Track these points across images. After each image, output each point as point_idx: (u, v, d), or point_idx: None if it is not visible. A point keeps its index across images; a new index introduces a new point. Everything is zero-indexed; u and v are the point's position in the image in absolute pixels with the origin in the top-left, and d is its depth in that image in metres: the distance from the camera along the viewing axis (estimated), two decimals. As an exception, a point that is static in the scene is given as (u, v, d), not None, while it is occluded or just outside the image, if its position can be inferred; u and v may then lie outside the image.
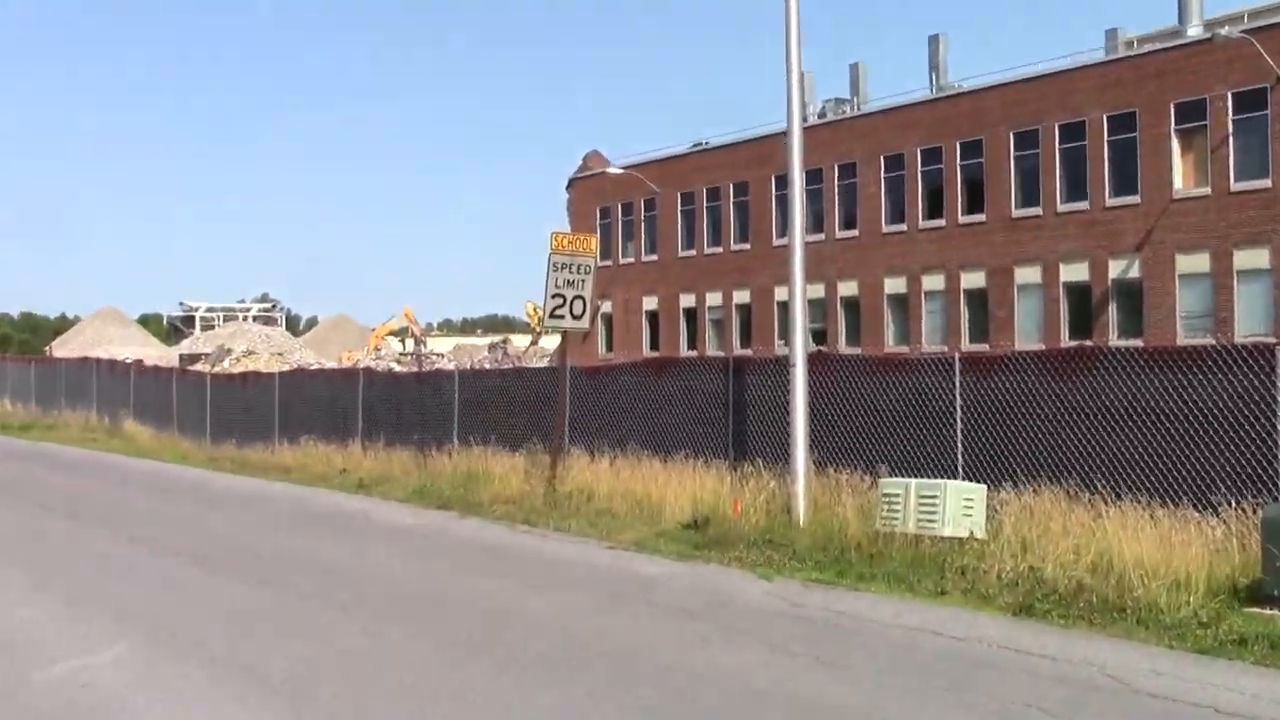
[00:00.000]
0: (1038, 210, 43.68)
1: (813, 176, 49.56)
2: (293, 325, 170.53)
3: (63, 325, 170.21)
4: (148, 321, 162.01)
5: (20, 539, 17.71)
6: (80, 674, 9.89)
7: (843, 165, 50.32)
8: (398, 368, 72.47)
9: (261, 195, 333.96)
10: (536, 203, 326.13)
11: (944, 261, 46.51)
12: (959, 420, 16.36)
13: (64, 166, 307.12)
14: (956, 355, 16.78)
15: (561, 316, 21.03)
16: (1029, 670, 9.89)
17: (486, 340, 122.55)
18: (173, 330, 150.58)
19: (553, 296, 20.91)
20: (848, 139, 50.25)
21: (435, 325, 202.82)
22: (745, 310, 54.97)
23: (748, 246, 54.79)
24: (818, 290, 49.67)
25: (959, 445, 16.33)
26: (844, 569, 14.16)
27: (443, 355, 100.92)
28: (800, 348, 17.17)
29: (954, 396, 16.45)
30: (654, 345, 59.17)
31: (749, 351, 49.83)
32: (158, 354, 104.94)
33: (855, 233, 49.93)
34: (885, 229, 48.81)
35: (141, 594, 13.30)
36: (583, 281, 21.10)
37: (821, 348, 46.83)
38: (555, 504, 19.95)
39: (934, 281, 47.00)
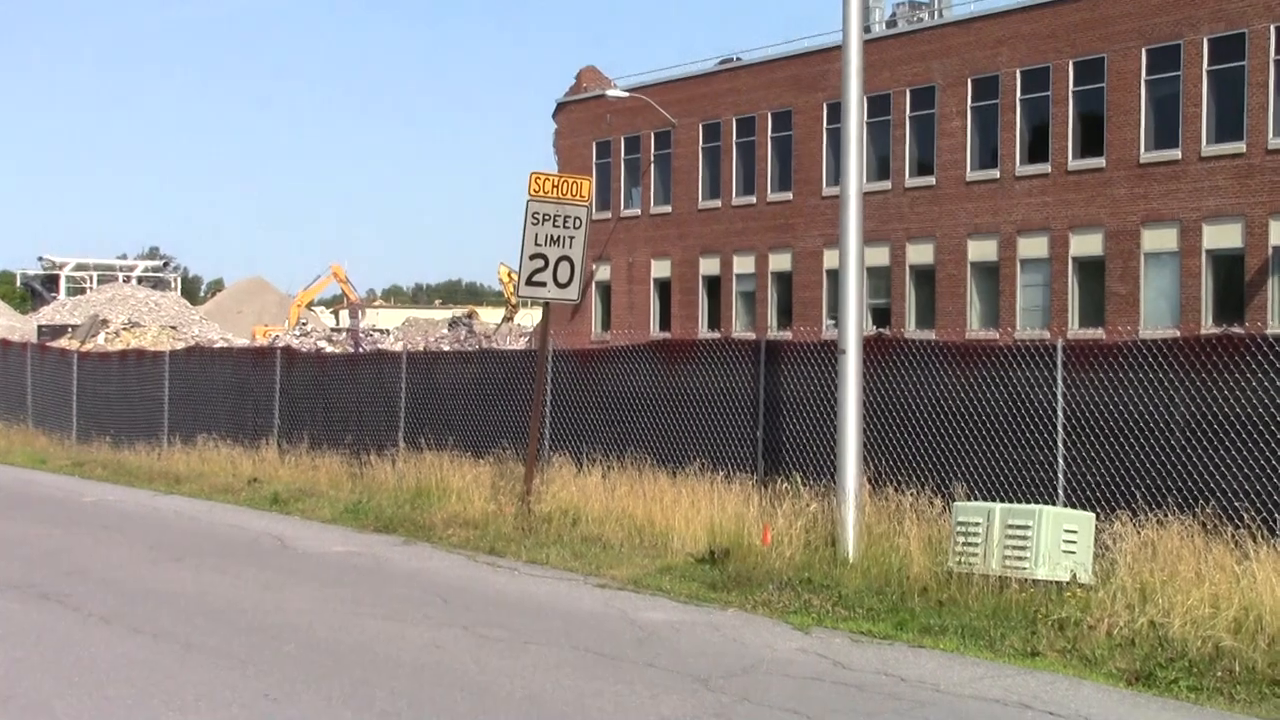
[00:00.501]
0: (1175, 153, 43.67)
1: (877, 105, 49.56)
2: (191, 291, 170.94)
3: None
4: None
5: None
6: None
7: (917, 91, 50.30)
8: (328, 347, 72.70)
9: (150, 124, 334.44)
10: (515, 137, 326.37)
11: (1048, 220, 46.51)
12: (1060, 428, 16.35)
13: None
14: (1059, 343, 16.77)
15: (541, 284, 21.04)
16: (1145, 757, 9.90)
17: (447, 314, 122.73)
18: (29, 294, 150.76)
19: (531, 258, 20.92)
20: (924, 56, 50.23)
21: (379, 293, 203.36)
22: (785, 280, 55.02)
23: (789, 197, 54.82)
24: (880, 255, 49.70)
25: (1060, 461, 16.32)
26: (904, 619, 14.16)
27: (387, 332, 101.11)
28: (854, 329, 17.15)
29: (1054, 397, 16.44)
30: (664, 324, 59.25)
31: (788, 334, 49.88)
32: (7, 324, 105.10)
33: (931, 180, 49.94)
34: (971, 176, 48.81)
35: (-24, 639, 13.32)
36: (571, 239, 21.10)
37: (883, 330, 46.87)
38: (529, 528, 20.00)
39: (1034, 246, 47.01)
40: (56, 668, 12.24)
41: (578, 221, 21.18)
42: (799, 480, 18.42)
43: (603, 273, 62.02)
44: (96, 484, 28.15)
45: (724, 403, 20.50)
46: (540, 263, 20.98)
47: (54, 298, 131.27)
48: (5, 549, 19.31)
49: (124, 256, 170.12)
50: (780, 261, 55.16)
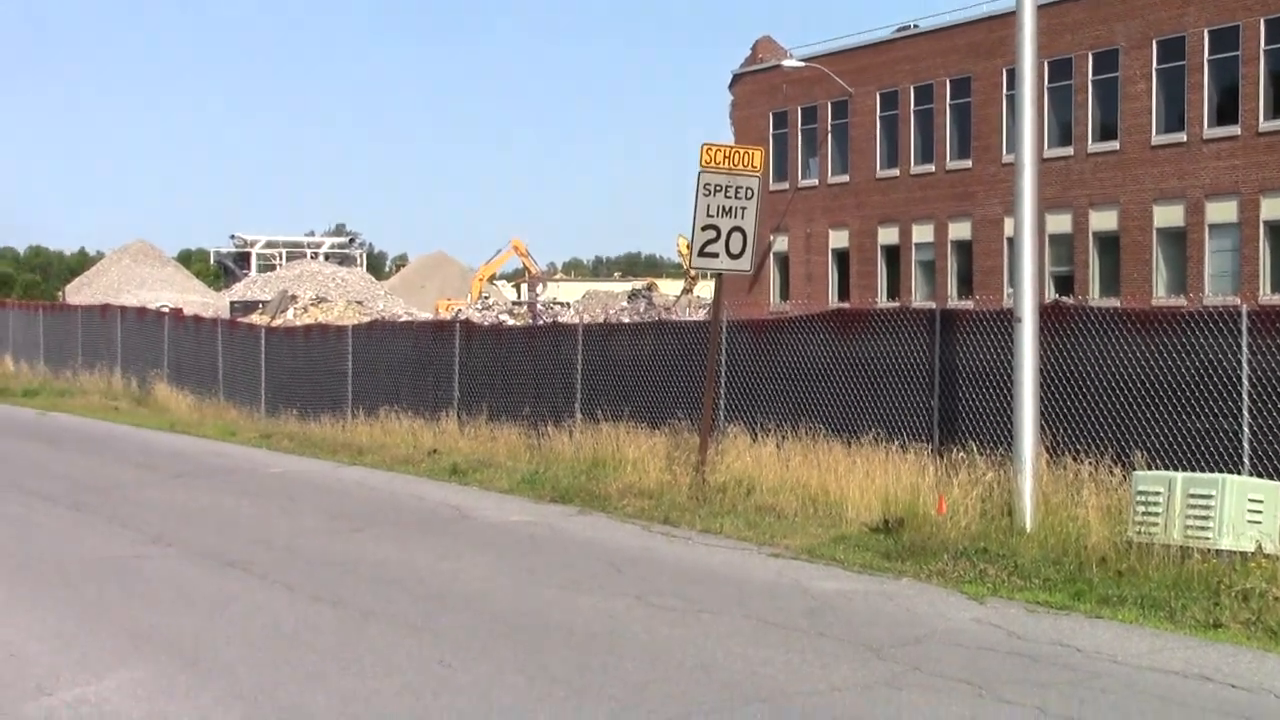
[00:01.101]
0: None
1: (1058, 69, 48.78)
2: (376, 266, 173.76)
3: (80, 263, 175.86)
4: (190, 260, 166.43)
5: (7, 535, 18.32)
6: (79, 707, 10.20)
7: (1099, 54, 49.32)
8: (509, 320, 73.35)
9: (336, 107, 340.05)
10: (695, 109, 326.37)
11: (1237, 184, 45.37)
12: (1246, 395, 15.98)
13: (82, 69, 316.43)
14: (1244, 308, 16.38)
15: (715, 254, 21.02)
16: (1330, 732, 9.66)
17: (626, 286, 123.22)
18: (222, 271, 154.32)
19: (703, 229, 20.91)
20: (1106, 18, 49.22)
21: (559, 267, 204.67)
22: (964, 249, 54.43)
23: (969, 164, 54.15)
24: (1062, 222, 48.89)
25: (1245, 429, 15.96)
26: (1082, 590, 13.96)
27: (567, 305, 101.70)
28: (1029, 297, 16.91)
29: (1239, 364, 16.07)
30: (843, 294, 58.96)
31: (968, 303, 49.32)
32: (201, 301, 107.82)
33: (1114, 145, 48.97)
34: (1156, 140, 47.76)
35: (156, 609, 13.68)
36: (743, 209, 21.05)
37: (1065, 298, 46.11)
38: (704, 498, 20.04)
39: (1223, 211, 45.89)
40: (240, 632, 12.53)
41: (749, 192, 21.10)
42: (974, 449, 18.23)
43: (780, 243, 61.82)
44: (283, 455, 28.72)
45: (899, 372, 20.35)
46: (712, 233, 20.96)
47: (245, 274, 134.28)
48: (196, 519, 19.81)
49: (311, 233, 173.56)
50: (960, 230, 54.55)
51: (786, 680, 10.93)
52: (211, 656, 11.67)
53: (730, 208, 20.97)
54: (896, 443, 19.53)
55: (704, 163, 20.87)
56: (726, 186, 20.94)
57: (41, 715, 10.00)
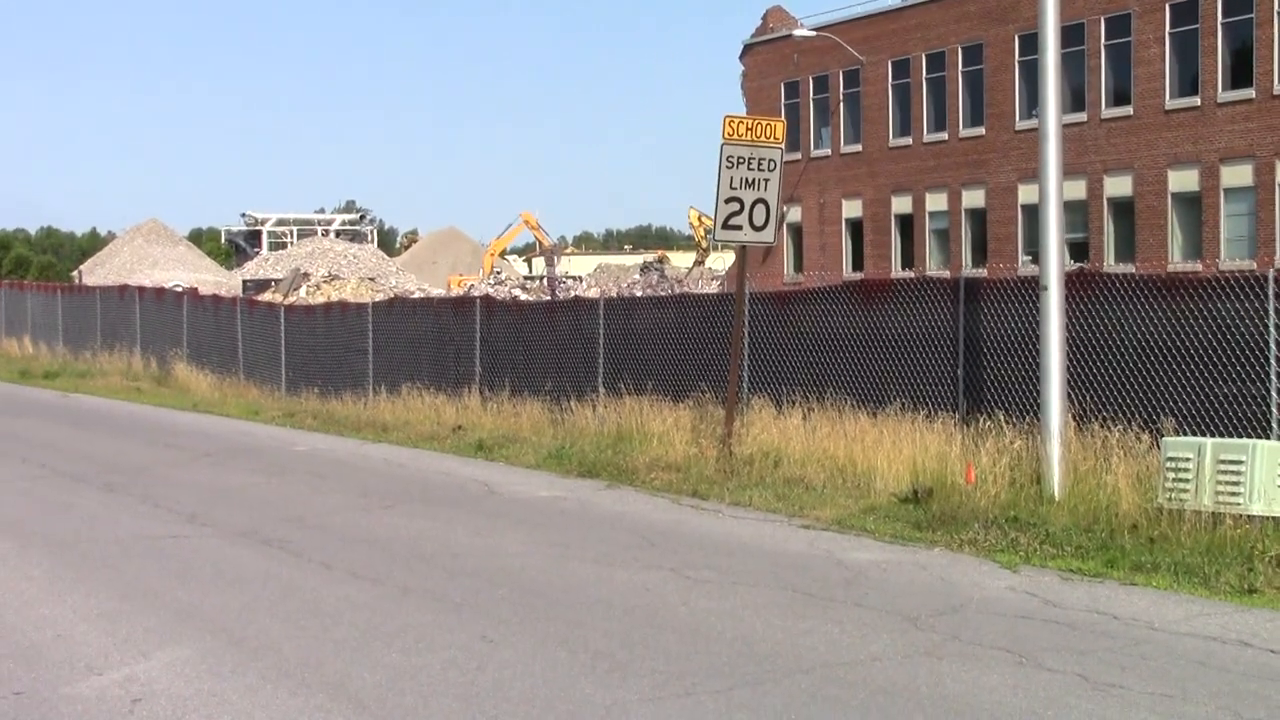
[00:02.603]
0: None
1: (1071, 35, 48.64)
2: (387, 242, 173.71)
3: (93, 244, 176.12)
4: (201, 238, 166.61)
5: (42, 516, 18.45)
6: (129, 686, 10.31)
7: (1112, 19, 49.23)
8: (523, 295, 73.42)
9: (345, 82, 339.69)
10: (701, 80, 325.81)
11: (1252, 146, 45.27)
12: (1274, 360, 16.02)
13: (90, 46, 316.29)
14: (1270, 273, 16.39)
15: (738, 227, 21.06)
16: (1371, 694, 9.71)
17: (637, 259, 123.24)
18: (233, 249, 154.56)
19: (726, 201, 20.94)
20: (1119, -17, 49.07)
21: (570, 240, 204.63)
22: (978, 217, 54.38)
23: (982, 132, 54.08)
24: (1077, 189, 48.82)
25: (1274, 394, 15.99)
26: (1114, 557, 14.02)
27: (580, 279, 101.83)
28: (1055, 265, 16.96)
29: (1267, 329, 16.10)
30: (857, 264, 58.93)
31: (983, 271, 49.32)
32: (214, 280, 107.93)
33: (1128, 110, 48.89)
34: (1170, 104, 47.65)
35: (197, 587, 13.78)
36: (765, 181, 21.08)
37: (1082, 265, 46.11)
38: (731, 471, 20.12)
39: (1238, 174, 45.81)
40: (283, 611, 12.62)
41: (772, 164, 21.13)
42: (1001, 418, 18.27)
43: (794, 214, 61.77)
44: (307, 434, 28.84)
45: (923, 341, 20.38)
46: (736, 206, 20.99)
47: (257, 253, 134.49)
48: (228, 498, 19.92)
49: (321, 211, 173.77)
50: (974, 198, 54.50)
51: (827, 651, 11.01)
52: (255, 634, 11.76)
53: (753, 180, 21.00)
54: (923, 412, 19.58)
55: (726, 135, 20.87)
56: (749, 159, 20.95)
57: (94, 695, 10.09)
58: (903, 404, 20.01)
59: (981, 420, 18.58)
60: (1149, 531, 14.60)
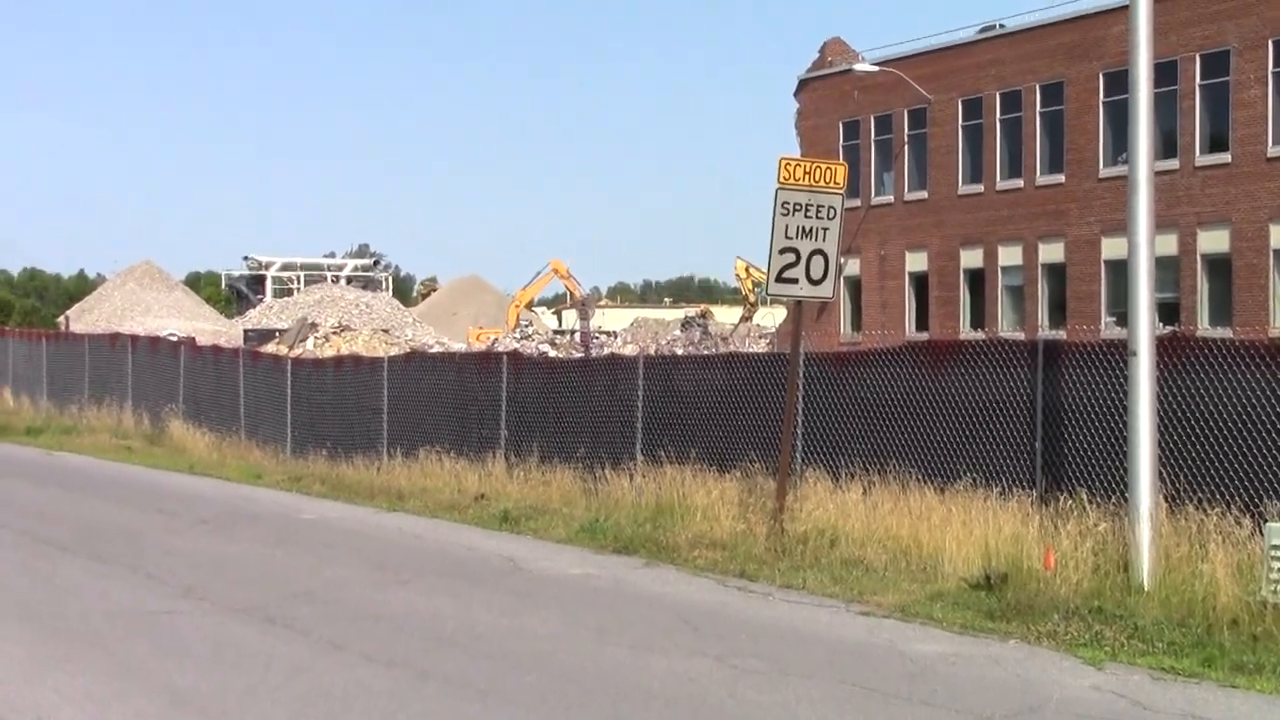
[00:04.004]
0: None
1: (1162, 74, 48.11)
2: (403, 291, 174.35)
3: (81, 288, 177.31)
4: (199, 283, 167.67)
5: (22, 587, 18.50)
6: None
7: (1208, 56, 49.23)
8: (553, 351, 73.53)
9: (359, 119, 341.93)
10: (750, 120, 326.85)
11: (1362, 200, 45.14)
12: (1389, 438, 15.90)
13: (82, 75, 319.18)
14: (1385, 341, 16.29)
15: (793, 280, 21.06)
16: None
17: (678, 313, 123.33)
18: (235, 296, 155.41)
19: (781, 252, 20.94)
20: (1216, 16, 49.10)
21: (604, 292, 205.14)
22: (1057, 272, 54.30)
23: (1061, 179, 54.09)
24: (1167, 244, 48.68)
25: (1388, 475, 15.87)
26: (1212, 655, 13.90)
27: (614, 334, 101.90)
28: (1145, 328, 16.90)
29: (1381, 402, 16.00)
30: (921, 323, 58.89)
31: (1061, 333, 49.21)
32: (213, 329, 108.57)
33: (1226, 157, 48.87)
34: (1272, 151, 47.62)
35: (194, 668, 13.80)
36: (824, 230, 21.11)
37: (1174, 328, 45.95)
38: (783, 550, 20.06)
39: (1347, 230, 45.67)
40: (289, 696, 12.62)
41: (832, 211, 21.16)
42: (1084, 497, 18.16)
43: (852, 267, 61.77)
44: (315, 500, 28.88)
45: (997, 410, 20.30)
46: (791, 257, 21.00)
47: (260, 300, 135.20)
48: (227, 570, 19.95)
49: (331, 255, 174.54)
50: (1051, 252, 54.43)
51: (892, 753, 10.96)
52: (257, 722, 11.78)
53: (810, 229, 21.02)
54: (996, 489, 19.48)
55: (782, 179, 20.90)
56: (806, 205, 20.98)
57: (81, 787, 10.11)
58: (974, 479, 19.92)
59: (1062, 499, 18.47)
60: (1251, 628, 14.48)
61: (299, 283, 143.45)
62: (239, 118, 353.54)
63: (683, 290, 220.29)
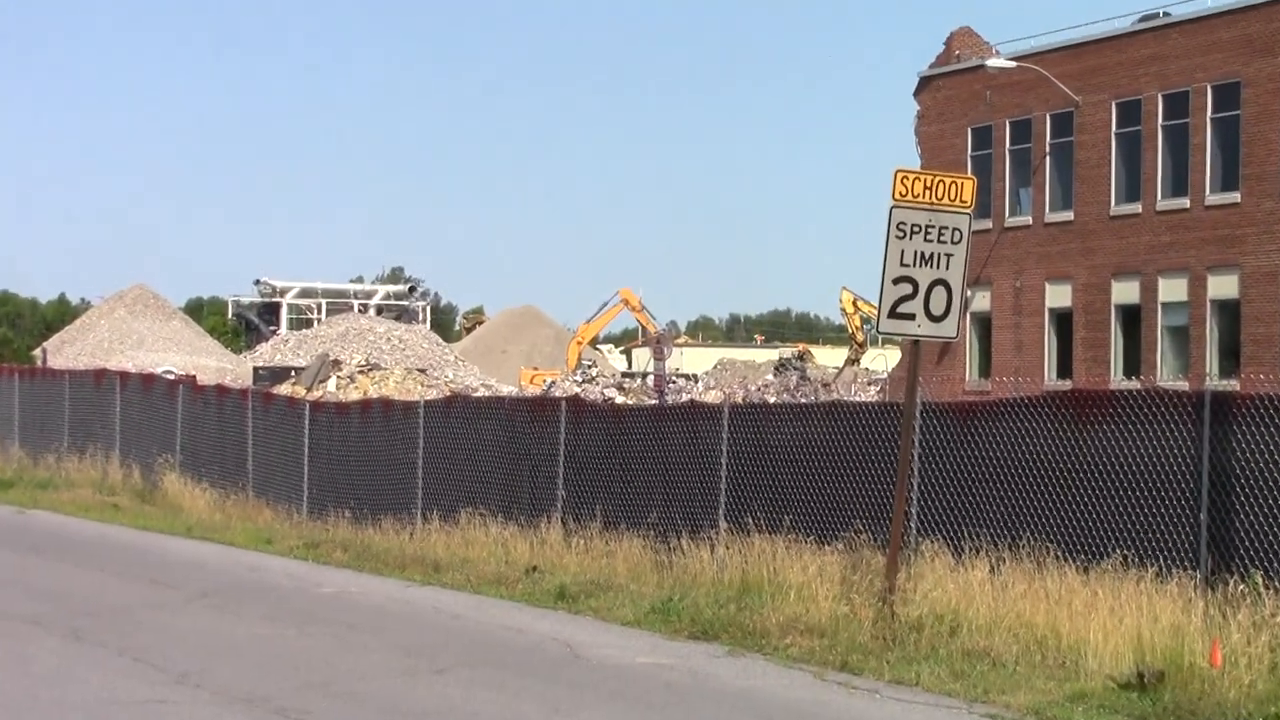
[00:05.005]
0: None
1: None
2: (444, 324, 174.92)
3: (60, 314, 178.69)
4: (202, 312, 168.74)
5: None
6: None
7: None
8: (620, 397, 73.62)
9: (394, 125, 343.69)
10: (861, 124, 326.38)
11: None
12: None
13: (65, 64, 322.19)
14: None
15: (910, 316, 21.06)
16: None
17: (771, 354, 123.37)
18: (243, 327, 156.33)
19: (895, 282, 20.95)
20: None
21: (682, 328, 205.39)
22: (1229, 310, 53.93)
23: (1237, 198, 53.77)
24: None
25: None
26: None
27: (695, 378, 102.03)
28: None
29: None
30: (1064, 369, 58.61)
31: (1234, 384, 48.88)
32: (219, 366, 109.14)
33: None
34: None
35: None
36: (948, 257, 21.08)
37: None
38: (894, 638, 20.04)
39: None
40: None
41: (957, 234, 21.15)
42: (1259, 581, 18.08)
43: (980, 301, 61.57)
44: (335, 570, 28.98)
45: (1154, 475, 20.20)
46: (908, 288, 20.99)
47: (273, 332, 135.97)
48: (229, 653, 20.06)
49: (359, 280, 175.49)
50: (1224, 285, 54.07)
51: None
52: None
53: (931, 255, 21.00)
54: (1151, 569, 19.38)
55: (898, 195, 20.92)
56: (926, 227, 20.99)
57: None
58: (1125, 556, 19.82)
59: (1232, 583, 18.38)
60: None
61: (320, 312, 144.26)
62: (251, 117, 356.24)
63: (777, 327, 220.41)
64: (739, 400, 57.20)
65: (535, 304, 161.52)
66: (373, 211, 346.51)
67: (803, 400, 58.38)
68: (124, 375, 49.65)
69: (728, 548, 25.04)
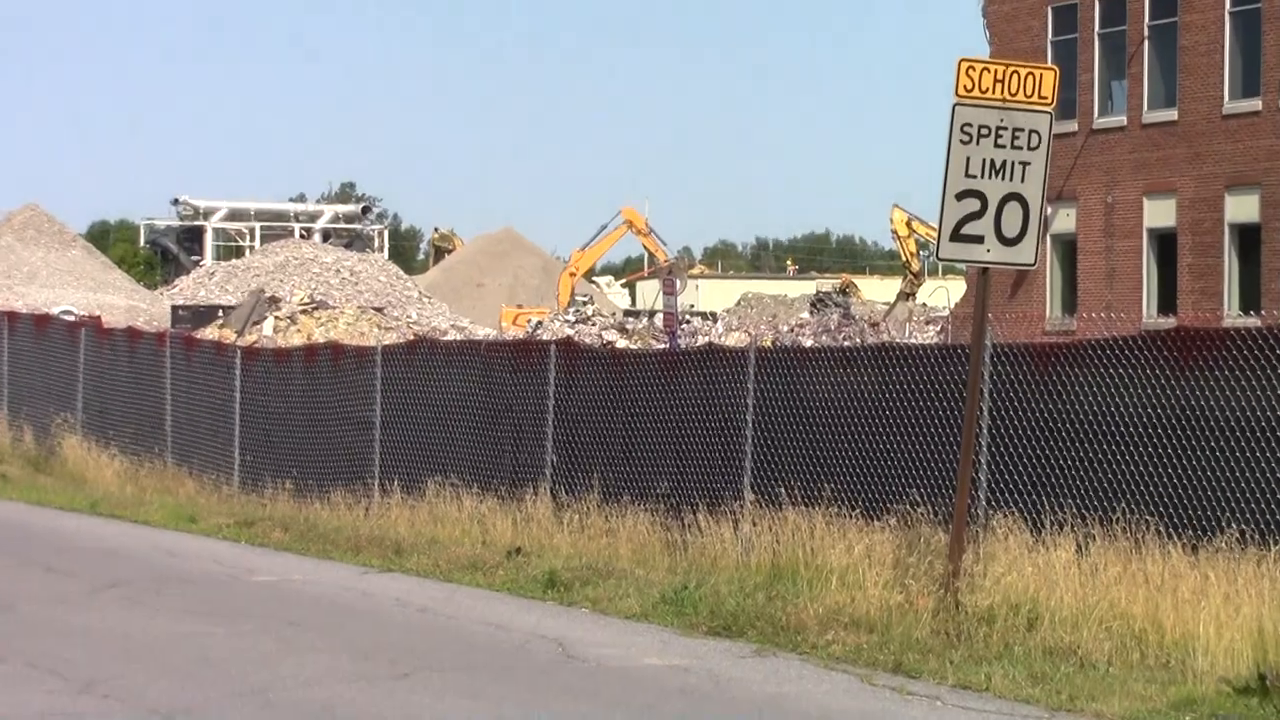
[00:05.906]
0: None
1: None
2: (404, 252, 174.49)
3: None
4: (107, 238, 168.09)
5: None
6: None
7: None
8: (622, 340, 73.60)
9: (345, 18, 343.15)
10: (915, 9, 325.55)
11: None
12: None
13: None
14: None
15: (976, 238, 21.04)
16: None
17: (807, 287, 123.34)
18: (160, 257, 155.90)
19: (959, 197, 20.92)
20: None
21: (698, 255, 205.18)
22: (1370, 229, 53.96)
23: (1377, 91, 53.75)
24: None
25: None
26: None
27: (712, 316, 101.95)
28: None
29: None
30: (1166, 303, 58.59)
31: (1375, 320, 48.90)
32: (129, 304, 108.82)
33: None
34: None
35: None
36: (1024, 166, 21.04)
37: None
38: (959, 633, 20.08)
39: None
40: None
41: (1035, 138, 21.11)
42: None
43: (1064, 221, 61.50)
44: (274, 554, 28.98)
45: (1278, 432, 20.18)
46: (975, 204, 20.96)
47: (196, 263, 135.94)
48: (145, 656, 20.11)
49: (301, 199, 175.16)
50: (1361, 199, 54.15)
51: None
52: None
53: (1003, 163, 20.97)
54: (1276, 547, 19.38)
55: (962, 91, 20.85)
56: (998, 129, 20.94)
57: None
58: (1242, 532, 19.80)
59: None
60: None
61: (253, 239, 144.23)
62: (167, 5, 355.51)
63: (814, 254, 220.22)
64: (767, 343, 57.24)
65: (517, 228, 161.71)
66: (318, 115, 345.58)
67: (846, 343, 58.23)
68: (12, 316, 49.68)
69: (754, 524, 25.06)
